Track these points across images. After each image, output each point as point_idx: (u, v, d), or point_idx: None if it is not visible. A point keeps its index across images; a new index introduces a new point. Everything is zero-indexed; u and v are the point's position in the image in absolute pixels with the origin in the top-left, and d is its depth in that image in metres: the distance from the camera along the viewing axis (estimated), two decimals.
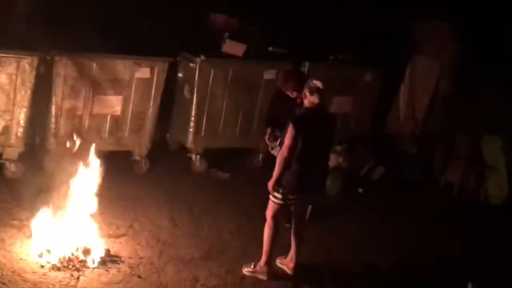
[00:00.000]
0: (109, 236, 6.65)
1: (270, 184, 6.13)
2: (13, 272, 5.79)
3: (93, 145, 6.55)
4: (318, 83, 6.03)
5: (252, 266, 6.38)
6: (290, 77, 6.90)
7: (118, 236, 6.70)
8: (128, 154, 8.22)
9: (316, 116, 6.11)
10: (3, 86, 7.24)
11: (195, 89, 8.31)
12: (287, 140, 6.02)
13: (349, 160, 8.89)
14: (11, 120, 7.37)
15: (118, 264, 6.18)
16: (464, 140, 9.51)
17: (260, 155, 8.85)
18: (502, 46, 9.24)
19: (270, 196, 6.22)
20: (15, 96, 7.30)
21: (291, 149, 6.00)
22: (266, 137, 7.09)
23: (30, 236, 6.36)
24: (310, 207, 6.97)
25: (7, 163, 7.52)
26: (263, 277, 6.35)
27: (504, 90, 9.18)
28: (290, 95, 6.78)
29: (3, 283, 5.60)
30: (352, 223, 7.87)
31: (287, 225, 6.71)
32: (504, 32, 9.23)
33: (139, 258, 6.37)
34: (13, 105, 7.33)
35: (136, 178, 8.12)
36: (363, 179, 9.08)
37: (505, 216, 8.76)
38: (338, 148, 8.87)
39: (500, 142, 9.23)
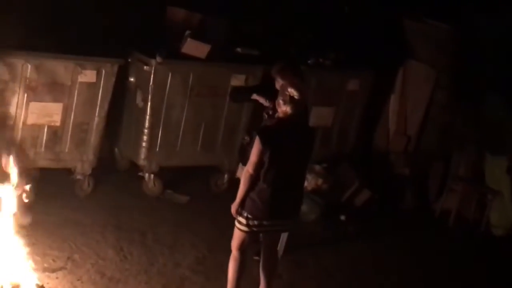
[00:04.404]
0: (44, 269, 6.60)
1: (234, 207, 6.16)
2: None
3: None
4: (293, 91, 6.08)
5: None
6: (292, 66, 7.10)
7: (54, 270, 6.65)
8: (68, 172, 8.18)
9: (289, 129, 6.14)
10: None
11: (150, 96, 8.31)
12: (253, 156, 6.06)
13: (330, 182, 8.95)
14: None
15: None
16: (463, 160, 9.63)
17: (226, 176, 8.87)
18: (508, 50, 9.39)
19: (235, 223, 6.24)
20: None
21: (257, 166, 6.04)
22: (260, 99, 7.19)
23: None
24: (284, 236, 7.00)
25: None
26: None
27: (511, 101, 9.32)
28: (277, 86, 6.81)
29: None
30: (332, 256, 7.92)
31: (256, 257, 6.73)
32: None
33: None
34: None
35: (77, 200, 8.08)
36: (345, 204, 9.14)
37: (510, 249, 8.88)
38: (317, 167, 8.95)
39: (506, 163, 9.36)
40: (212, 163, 8.90)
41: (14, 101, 7.60)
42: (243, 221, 6.17)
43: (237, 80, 8.58)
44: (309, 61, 9.38)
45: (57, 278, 6.53)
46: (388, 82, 10.28)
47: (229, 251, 6.33)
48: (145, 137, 8.41)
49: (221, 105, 8.66)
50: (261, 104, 7.23)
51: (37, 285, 6.21)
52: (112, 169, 8.78)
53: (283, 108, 6.12)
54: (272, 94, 6.76)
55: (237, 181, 7.17)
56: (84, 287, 6.49)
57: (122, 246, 7.31)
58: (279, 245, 7.03)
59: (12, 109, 7.61)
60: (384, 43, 9.94)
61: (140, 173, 8.57)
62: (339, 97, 9.54)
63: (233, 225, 6.29)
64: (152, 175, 8.55)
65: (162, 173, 8.58)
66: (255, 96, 7.27)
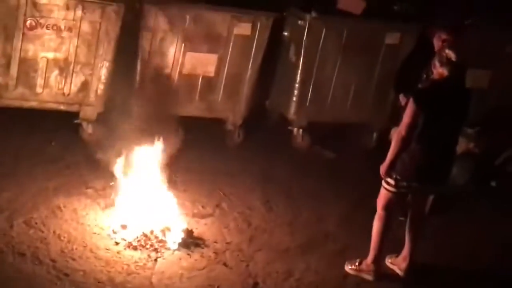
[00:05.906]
0: (193, 215, 6.80)
1: (383, 167, 6.12)
2: (85, 247, 6.03)
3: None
4: (450, 54, 5.95)
5: (357, 263, 6.39)
6: (450, 26, 6.89)
7: (203, 216, 6.84)
8: (220, 122, 8.35)
9: (444, 90, 6.03)
10: (85, 35, 7.48)
11: (303, 51, 8.33)
12: (406, 117, 5.98)
13: (482, 146, 8.70)
14: (91, 75, 7.63)
15: (202, 248, 6.31)
16: None
17: (374, 134, 8.79)
18: None
19: (383, 182, 6.19)
20: (97, 48, 7.54)
21: (410, 127, 5.96)
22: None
23: (104, 208, 6.61)
24: (431, 198, 6.90)
25: (84, 124, 7.81)
26: (369, 277, 6.35)
27: None
28: (436, 45, 6.71)
29: (73, 259, 5.84)
30: (480, 223, 7.70)
31: (402, 218, 6.67)
32: None
33: (226, 243, 6.49)
34: (95, 58, 7.58)
35: (227, 151, 8.25)
36: (498, 170, 8.86)
37: None
38: (470, 130, 8.70)
39: None
40: (361, 121, 8.84)
41: (172, 50, 7.81)
42: (392, 181, 6.12)
43: (392, 38, 8.45)
44: (466, 22, 9.09)
45: (205, 224, 6.71)
46: None
47: (374, 210, 6.29)
48: (296, 92, 8.45)
49: (374, 63, 8.56)
50: (419, 67, 7.02)
51: (186, 229, 6.40)
52: (262, 121, 8.88)
53: (439, 70, 6.00)
54: (428, 56, 6.62)
55: (386, 141, 7.14)
56: (231, 234, 6.64)
57: (269, 197, 7.41)
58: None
59: (170, 58, 7.83)
60: None
61: (290, 127, 8.64)
62: (497, 59, 9.20)
63: (380, 184, 6.24)
64: (300, 130, 8.60)
65: (311, 128, 8.61)
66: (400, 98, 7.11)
